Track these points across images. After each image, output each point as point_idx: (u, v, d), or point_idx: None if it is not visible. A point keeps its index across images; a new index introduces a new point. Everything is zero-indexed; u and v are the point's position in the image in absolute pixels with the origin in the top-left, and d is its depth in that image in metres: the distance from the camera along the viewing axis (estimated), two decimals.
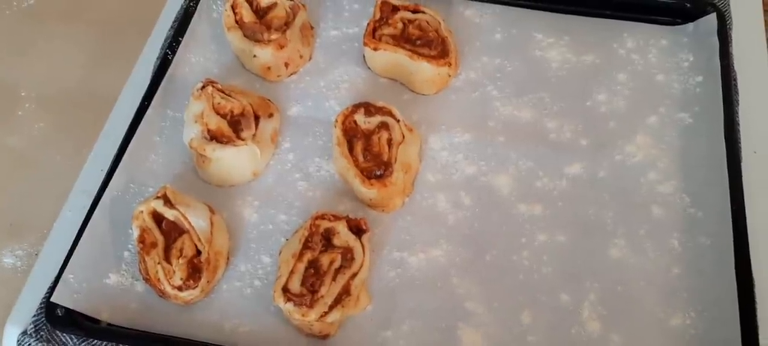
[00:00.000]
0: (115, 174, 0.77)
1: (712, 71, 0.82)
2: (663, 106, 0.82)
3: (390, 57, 0.83)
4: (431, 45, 0.83)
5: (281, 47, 0.84)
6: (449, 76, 0.84)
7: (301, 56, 0.87)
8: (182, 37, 0.87)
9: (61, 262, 0.72)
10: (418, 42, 0.83)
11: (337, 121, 0.77)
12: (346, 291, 0.68)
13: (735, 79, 0.82)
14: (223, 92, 0.79)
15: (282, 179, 0.80)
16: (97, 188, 0.77)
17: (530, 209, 0.76)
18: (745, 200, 0.73)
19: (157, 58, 0.87)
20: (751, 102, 0.82)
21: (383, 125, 0.77)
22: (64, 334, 0.69)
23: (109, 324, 0.71)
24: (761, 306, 0.68)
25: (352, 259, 0.69)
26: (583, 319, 0.69)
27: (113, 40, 0.93)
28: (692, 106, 0.81)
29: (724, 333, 0.66)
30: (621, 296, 0.70)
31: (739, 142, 0.78)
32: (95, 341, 0.69)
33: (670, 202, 0.75)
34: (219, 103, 0.78)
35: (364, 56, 0.87)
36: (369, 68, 0.87)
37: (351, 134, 0.77)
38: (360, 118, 0.78)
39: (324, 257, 0.69)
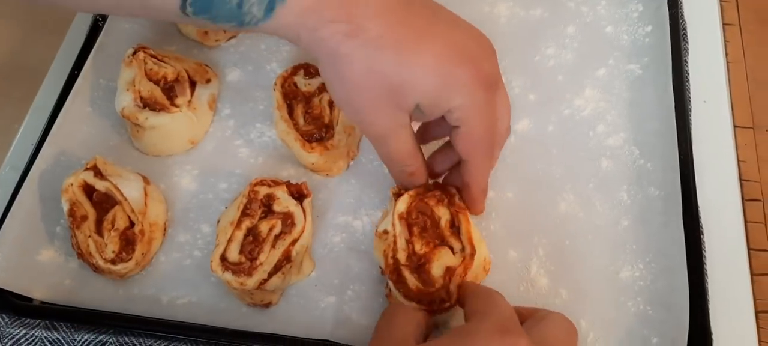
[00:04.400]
0: (43, 146, 0.74)
1: (661, 20, 0.80)
2: (612, 59, 0.80)
3: None
4: None
5: None
6: None
7: None
8: None
9: None
10: None
11: (275, 83, 0.74)
12: (286, 258, 0.65)
13: (684, 29, 0.80)
14: (156, 58, 0.75)
15: (222, 147, 0.77)
16: (26, 163, 0.74)
17: None
18: (694, 149, 0.72)
19: (89, 26, 0.83)
20: (701, 51, 0.81)
21: (324, 86, 0.75)
22: None
23: (43, 302, 0.68)
24: (709, 254, 0.67)
25: (293, 225, 0.67)
26: (531, 275, 0.68)
27: (44, 9, 0.89)
28: (641, 57, 0.80)
29: (672, 282, 0.65)
30: (569, 250, 0.69)
31: (689, 92, 0.76)
32: (28, 319, 0.66)
33: (619, 154, 0.74)
34: (151, 69, 0.75)
35: None
36: None
37: (291, 97, 0.74)
38: (300, 79, 0.75)
39: (263, 224, 0.67)
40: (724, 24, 0.86)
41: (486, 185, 0.66)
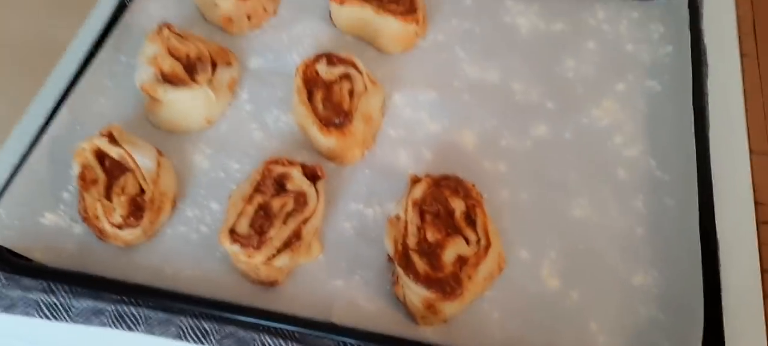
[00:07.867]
0: (59, 112, 0.73)
1: (682, 41, 0.81)
2: (632, 74, 0.80)
3: (356, 12, 0.81)
4: (399, 1, 0.81)
5: None
6: (416, 35, 0.82)
7: (265, 9, 0.84)
8: None
9: None
10: None
11: (298, 69, 0.74)
12: (296, 235, 0.64)
13: (704, 51, 0.81)
14: (180, 36, 0.76)
15: (237, 128, 0.76)
16: (40, 127, 0.73)
17: (494, 166, 0.73)
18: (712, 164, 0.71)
19: (115, 6, 0.84)
20: (719, 77, 0.81)
21: (345, 76, 0.75)
22: None
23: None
24: (724, 268, 0.65)
25: (306, 204, 0.66)
26: (542, 276, 0.66)
27: None
28: (661, 74, 0.80)
29: (686, 291, 0.63)
30: (582, 254, 0.67)
31: (708, 109, 0.76)
32: (26, 280, 0.64)
33: (636, 165, 0.73)
34: (175, 47, 0.75)
35: (330, 12, 0.84)
36: (334, 25, 0.85)
37: (312, 83, 0.74)
38: (322, 67, 0.75)
39: (275, 201, 0.66)
40: (741, 55, 0.86)
41: None
